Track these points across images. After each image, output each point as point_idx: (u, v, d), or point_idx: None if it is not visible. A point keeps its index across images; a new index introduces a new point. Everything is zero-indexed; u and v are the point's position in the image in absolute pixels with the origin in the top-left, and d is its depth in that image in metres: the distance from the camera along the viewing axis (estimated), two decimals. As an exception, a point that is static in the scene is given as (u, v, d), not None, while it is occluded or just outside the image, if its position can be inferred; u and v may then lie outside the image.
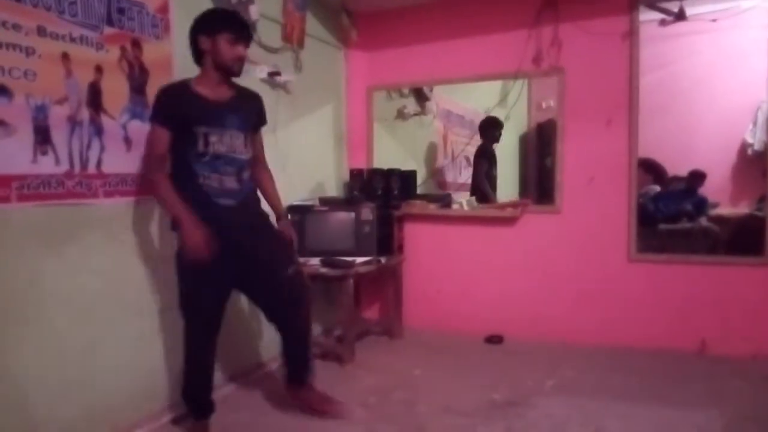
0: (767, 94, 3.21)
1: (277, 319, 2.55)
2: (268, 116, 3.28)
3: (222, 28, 2.21)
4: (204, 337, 2.38)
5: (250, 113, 2.40)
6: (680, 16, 3.69)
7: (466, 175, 4.86)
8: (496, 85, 4.14)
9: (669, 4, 3.68)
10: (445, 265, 4.00)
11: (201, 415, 2.43)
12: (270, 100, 3.30)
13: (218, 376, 2.91)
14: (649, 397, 2.76)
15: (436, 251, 4.02)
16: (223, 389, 2.87)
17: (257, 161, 2.51)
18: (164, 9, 2.57)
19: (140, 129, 2.44)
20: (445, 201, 4.06)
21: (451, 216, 3.99)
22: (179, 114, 2.18)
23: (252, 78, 3.14)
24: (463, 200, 4.06)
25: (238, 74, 2.31)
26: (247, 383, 3.01)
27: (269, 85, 3.30)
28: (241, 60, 2.27)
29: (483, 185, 4.32)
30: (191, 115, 2.19)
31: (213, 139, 2.22)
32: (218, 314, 2.38)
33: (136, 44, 2.43)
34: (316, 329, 3.73)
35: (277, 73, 3.26)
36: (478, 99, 4.54)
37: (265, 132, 3.25)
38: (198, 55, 2.29)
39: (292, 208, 3.41)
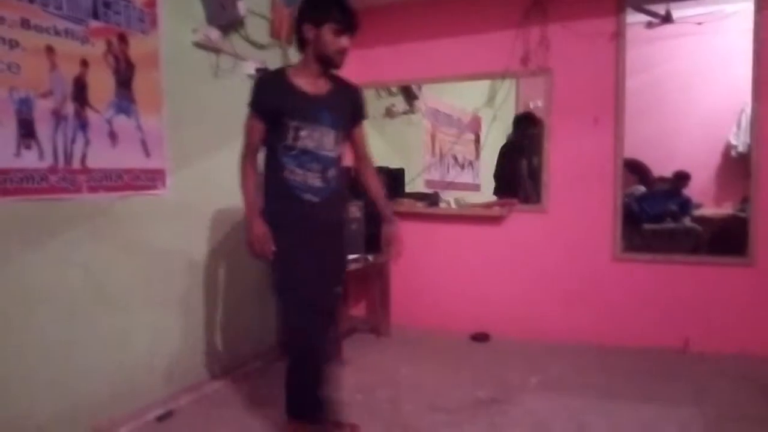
0: (751, 96, 3.24)
1: None
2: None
3: (328, 18, 2.08)
4: (319, 325, 2.22)
5: (345, 109, 2.24)
6: (667, 18, 3.74)
7: (453, 174, 4.88)
8: (484, 85, 4.16)
9: (656, 6, 3.72)
10: (433, 263, 4.01)
11: (317, 416, 2.26)
12: (258, 96, 3.30)
13: (203, 372, 2.91)
14: (632, 394, 2.79)
15: (424, 250, 4.03)
16: (212, 384, 2.87)
17: (360, 158, 2.38)
18: (151, 3, 2.55)
19: (126, 124, 2.42)
20: (433, 199, 4.07)
21: (439, 214, 4.00)
22: (274, 105, 2.11)
23: (239, 74, 3.14)
24: (450, 199, 4.08)
25: (339, 67, 2.18)
26: (236, 379, 3.00)
27: (257, 82, 3.28)
28: (344, 52, 2.14)
29: (523, 181, 4.21)
30: (286, 107, 2.11)
31: (303, 133, 2.12)
32: (328, 296, 2.26)
33: (123, 38, 2.41)
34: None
35: (265, 69, 3.24)
36: (467, 98, 4.56)
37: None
38: (301, 44, 2.17)
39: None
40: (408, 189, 4.17)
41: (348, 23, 2.12)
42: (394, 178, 4.03)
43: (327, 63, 2.15)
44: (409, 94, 4.50)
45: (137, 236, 2.54)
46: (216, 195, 3.01)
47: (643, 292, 3.50)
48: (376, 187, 2.37)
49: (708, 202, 4.51)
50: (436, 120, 4.86)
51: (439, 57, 3.92)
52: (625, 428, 2.42)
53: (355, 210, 3.44)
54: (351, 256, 3.36)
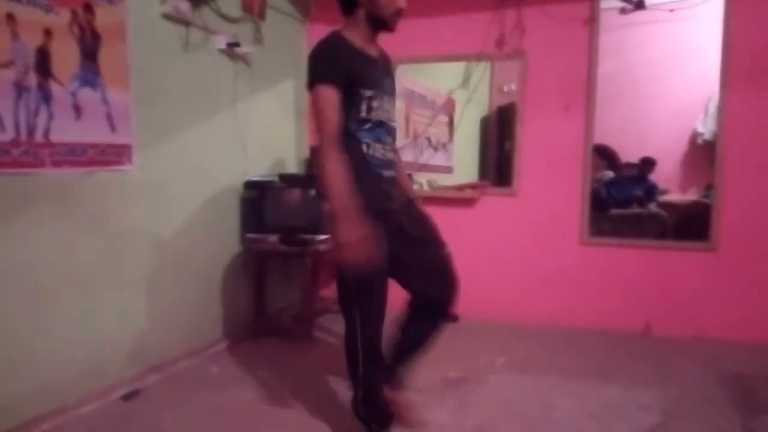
0: (719, 85, 3.31)
1: (429, 295, 2.17)
2: (226, 89, 3.23)
3: None
4: (379, 331, 2.12)
5: (392, 75, 2.09)
6: (639, 5, 3.76)
7: (427, 156, 4.87)
8: (459, 67, 4.14)
9: (629, -8, 3.74)
10: (404, 244, 4.01)
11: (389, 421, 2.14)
12: (229, 72, 3.24)
13: (171, 351, 2.88)
14: (596, 375, 2.87)
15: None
16: (180, 364, 2.85)
17: None
18: (118, -28, 2.46)
19: (91, 97, 2.34)
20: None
21: (411, 196, 3.99)
22: (347, 71, 1.85)
23: (209, 48, 3.06)
24: (423, 180, 4.08)
25: (394, 30, 1.96)
26: (204, 359, 2.98)
27: (228, 57, 3.21)
28: (400, 14, 1.93)
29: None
30: (359, 73, 1.87)
31: (375, 104, 1.91)
32: (386, 302, 2.10)
33: (89, 8, 2.32)
34: (272, 307, 3.71)
35: (237, 44, 3.18)
36: (441, 80, 4.54)
37: (223, 105, 3.22)
38: (349, 5, 1.95)
39: (251, 184, 3.35)
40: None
41: None
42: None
43: (381, 26, 1.94)
44: (383, 74, 4.45)
45: (103, 214, 2.48)
46: (185, 172, 2.96)
47: (609, 275, 3.58)
48: (402, 164, 2.23)
49: (674, 188, 4.61)
50: (410, 101, 4.83)
51: (415, 37, 3.87)
52: (589, 408, 2.49)
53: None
54: (323, 236, 3.35)
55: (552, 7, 3.54)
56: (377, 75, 1.95)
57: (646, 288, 3.51)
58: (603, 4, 3.51)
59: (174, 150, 2.87)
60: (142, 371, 2.69)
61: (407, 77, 4.62)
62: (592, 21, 3.48)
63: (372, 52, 1.98)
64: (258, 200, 3.34)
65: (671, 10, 4.11)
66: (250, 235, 3.35)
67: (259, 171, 3.54)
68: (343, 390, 2.66)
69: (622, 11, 4.00)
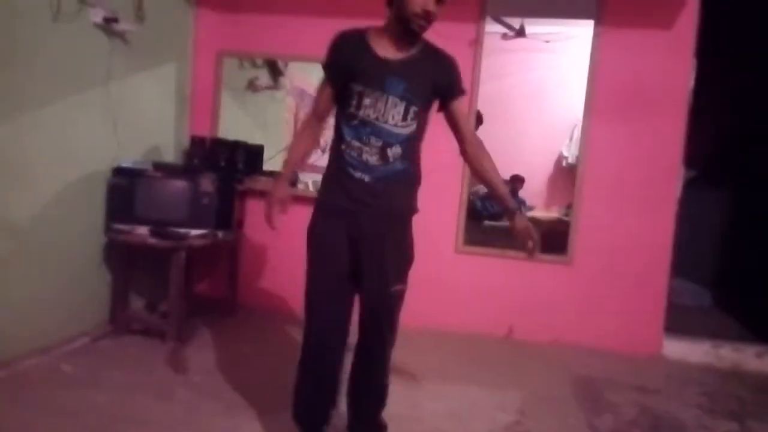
0: (583, 114, 3.64)
1: (360, 333, 2.05)
2: (100, 66, 3.00)
3: None
4: (321, 335, 2.02)
5: (427, 80, 1.91)
6: (520, 32, 4.05)
7: (314, 156, 4.84)
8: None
9: (512, 20, 4.01)
10: (285, 244, 3.95)
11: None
12: (103, 48, 3.02)
13: (20, 348, 2.60)
14: (460, 377, 3.01)
15: (277, 230, 3.95)
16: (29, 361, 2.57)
17: (463, 139, 2.04)
18: None
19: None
20: (291, 180, 4.00)
21: (296, 196, 3.94)
22: (344, 65, 1.89)
23: (83, 20, 2.82)
24: (309, 180, 4.05)
25: (416, 33, 1.86)
26: (56, 357, 2.72)
27: (104, 32, 2.99)
28: (425, 16, 1.81)
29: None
30: (355, 68, 1.86)
31: (366, 101, 1.86)
32: (343, 308, 2.01)
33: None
34: (138, 303, 3.48)
35: (114, 20, 2.96)
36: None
37: (95, 83, 2.98)
38: (387, 2, 1.90)
39: (121, 171, 3.13)
40: (267, 167, 4.06)
41: None
42: (252, 154, 3.91)
43: (405, 26, 1.85)
44: (274, 70, 4.37)
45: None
46: (46, 151, 2.70)
47: (479, 283, 3.79)
48: (492, 173, 2.02)
49: (540, 205, 4.98)
50: (301, 100, 4.77)
51: (310, 36, 3.86)
52: (452, 408, 2.61)
53: (207, 183, 3.28)
54: (198, 231, 3.21)
55: (441, 25, 3.64)
56: (380, 74, 1.86)
57: (510, 295, 3.76)
58: (487, 28, 3.72)
59: (35, 124, 2.61)
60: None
61: (298, 76, 4.58)
62: (476, 43, 3.67)
63: (390, 52, 1.89)
64: (128, 188, 3.12)
65: (547, 41, 4.47)
66: (116, 226, 3.12)
67: (132, 157, 3.31)
68: (215, 386, 2.56)
69: (504, 36, 4.28)
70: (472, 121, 3.64)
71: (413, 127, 1.93)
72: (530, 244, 2.00)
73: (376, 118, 1.88)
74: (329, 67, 1.95)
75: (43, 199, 2.71)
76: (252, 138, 3.99)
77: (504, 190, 2.04)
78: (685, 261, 3.98)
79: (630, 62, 3.57)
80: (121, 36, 3.11)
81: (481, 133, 3.80)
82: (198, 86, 4.01)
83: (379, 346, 2.04)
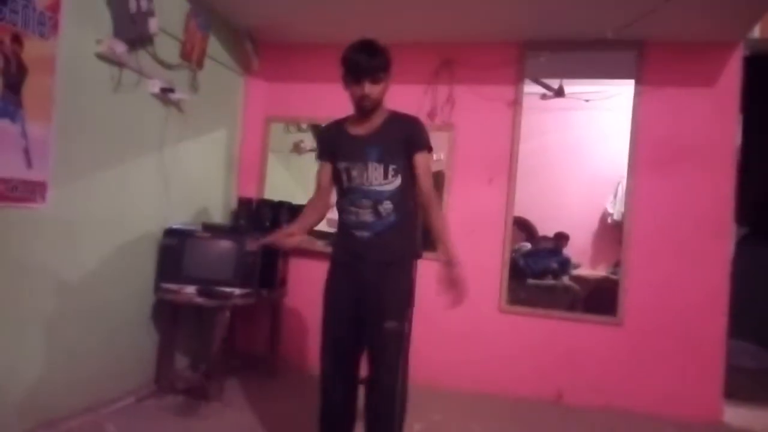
0: (627, 170, 3.60)
1: (368, 369, 2.26)
2: (155, 133, 3.17)
3: (344, 73, 2.23)
4: (332, 371, 2.30)
5: (395, 143, 2.21)
6: (559, 93, 4.10)
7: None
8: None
9: (550, 81, 4.07)
10: (326, 303, 3.97)
11: None
12: (159, 116, 3.20)
13: (66, 407, 2.65)
14: (508, 443, 2.89)
15: (320, 289, 3.98)
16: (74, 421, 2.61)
17: (419, 191, 2.25)
18: (55, 7, 2.41)
19: (9, 129, 2.23)
20: (333, 239, 4.06)
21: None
22: (330, 150, 2.30)
23: (142, 91, 3.02)
24: (349, 240, 4.09)
25: (367, 110, 2.23)
26: (102, 417, 2.75)
27: (160, 101, 3.18)
28: (364, 98, 2.19)
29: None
30: (337, 150, 2.26)
31: (354, 173, 2.21)
32: (349, 348, 2.29)
33: (17, 39, 2.25)
34: (182, 362, 3.52)
35: (171, 90, 3.15)
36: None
37: (150, 149, 3.14)
38: None
39: (171, 232, 3.24)
40: (308, 226, 4.14)
41: (354, 72, 2.18)
42: (295, 214, 3.96)
43: (359, 109, 2.24)
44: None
45: (5, 250, 2.30)
46: (102, 213, 2.83)
47: (524, 343, 3.68)
48: (434, 225, 2.25)
49: (585, 262, 4.87)
50: (342, 161, 4.91)
51: (347, 101, 4.00)
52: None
53: (251, 243, 3.36)
54: (242, 290, 3.27)
55: (480, 87, 3.77)
56: (356, 148, 2.22)
57: (557, 357, 3.63)
58: (526, 89, 3.78)
59: (93, 190, 2.76)
60: (32, 427, 2.46)
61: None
62: (515, 103, 3.73)
63: (362, 129, 2.25)
64: (177, 248, 3.23)
65: (587, 100, 4.50)
66: (165, 285, 3.21)
67: (182, 219, 3.44)
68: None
69: (543, 97, 4.34)
70: (506, 202, 3.70)
71: (397, 182, 2.21)
72: (452, 294, 2.22)
73: (361, 183, 2.20)
74: (320, 155, 2.38)
75: (95, 259, 2.83)
76: (295, 198, 4.09)
77: (442, 239, 2.24)
78: (742, 321, 3.79)
79: (673, 119, 3.55)
80: (176, 105, 3.30)
81: (525, 190, 3.81)
82: (246, 150, 4.18)
83: (382, 379, 2.21)
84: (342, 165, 2.23)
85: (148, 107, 3.11)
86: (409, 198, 2.25)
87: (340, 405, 2.31)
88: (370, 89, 2.17)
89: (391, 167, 2.20)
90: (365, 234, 2.21)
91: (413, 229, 2.31)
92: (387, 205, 2.20)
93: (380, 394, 2.22)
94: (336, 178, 2.29)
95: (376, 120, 2.27)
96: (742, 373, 4.02)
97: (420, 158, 2.24)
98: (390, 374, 2.21)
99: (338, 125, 2.34)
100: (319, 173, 2.37)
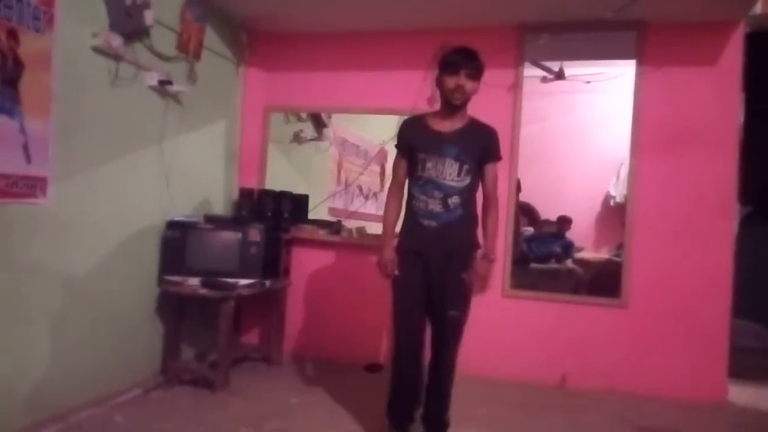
0: (629, 152, 3.58)
1: (431, 352, 2.56)
2: (154, 126, 3.17)
3: (440, 64, 2.46)
4: (408, 351, 2.53)
5: (474, 145, 2.45)
6: (560, 75, 4.06)
7: (357, 204, 4.92)
8: (392, 119, 4.26)
9: (550, 64, 4.04)
10: (331, 291, 3.99)
11: (397, 426, 2.60)
12: (158, 109, 3.18)
13: (75, 399, 2.68)
14: (510, 427, 2.91)
15: (323, 278, 4.01)
16: (84, 412, 2.64)
17: (484, 197, 2.54)
18: (49, 2, 2.40)
19: (7, 125, 2.23)
20: (336, 228, 4.08)
21: (340, 243, 4.01)
22: (409, 142, 2.51)
23: (140, 84, 3.01)
24: (353, 228, 4.10)
25: (454, 103, 2.43)
26: (110, 408, 2.78)
27: (158, 94, 3.17)
28: (456, 89, 2.39)
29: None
30: (416, 143, 2.48)
31: (429, 164, 2.43)
32: (420, 332, 2.53)
33: (12, 35, 2.24)
34: (188, 353, 3.55)
35: (169, 82, 3.14)
36: (375, 131, 4.65)
37: (150, 142, 3.14)
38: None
39: (173, 224, 3.25)
40: (311, 216, 4.15)
41: (450, 64, 2.40)
42: (297, 204, 4.01)
43: (448, 102, 2.45)
44: (318, 122, 4.52)
45: (9, 247, 2.31)
46: (103, 208, 2.84)
47: (528, 327, 3.69)
48: (488, 226, 2.53)
49: (588, 246, 4.87)
50: (343, 149, 4.90)
51: (350, 89, 3.99)
52: (505, 460, 2.52)
53: (255, 233, 3.37)
54: (246, 281, 3.28)
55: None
56: (436, 142, 2.45)
57: (561, 341, 3.64)
58: (526, 73, 3.75)
59: (93, 184, 2.76)
60: (41, 420, 2.48)
61: (340, 127, 4.72)
62: (516, 87, 3.70)
63: (444, 126, 2.48)
64: (180, 241, 3.24)
65: (587, 82, 4.47)
66: (169, 277, 3.22)
67: (184, 211, 3.45)
68: (258, 442, 2.56)
69: (544, 80, 4.31)
70: (508, 186, 3.67)
71: (467, 181, 2.44)
72: (477, 284, 2.54)
73: (437, 176, 2.42)
74: (399, 146, 2.58)
75: (98, 254, 2.84)
76: (297, 188, 4.10)
77: (489, 242, 2.52)
78: (746, 301, 3.79)
79: (676, 99, 3.52)
80: (174, 97, 3.29)
81: (527, 175, 3.80)
82: (246, 141, 4.18)
83: (445, 362, 2.51)
84: (420, 155, 2.44)
85: (146, 100, 3.10)
86: (474, 197, 2.50)
87: (410, 380, 2.56)
88: (464, 81, 2.39)
89: (465, 167, 2.43)
90: (432, 223, 2.44)
91: (475, 223, 2.54)
92: (455, 200, 2.44)
93: (442, 375, 2.52)
94: (411, 166, 2.51)
95: (458, 121, 2.48)
96: (746, 353, 4.02)
97: (492, 167, 2.52)
98: (451, 358, 2.52)
99: (420, 119, 2.56)
100: (397, 167, 2.59)
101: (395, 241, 2.55)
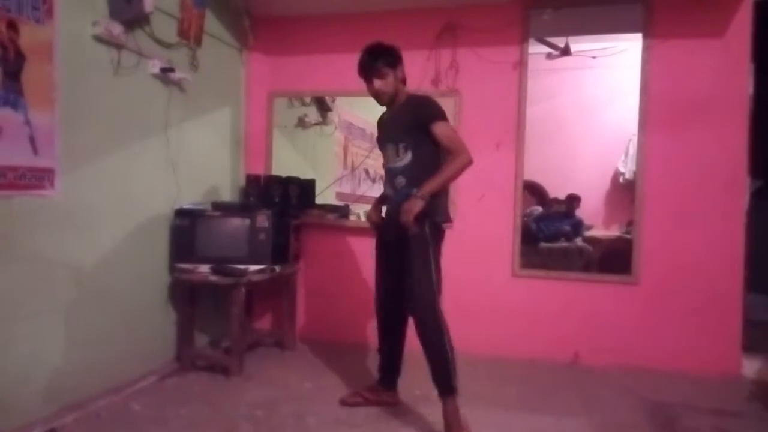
0: (638, 127, 3.54)
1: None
2: (158, 114, 3.16)
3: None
4: (380, 314, 2.81)
5: (400, 123, 2.57)
6: (565, 51, 4.01)
7: (364, 187, 4.91)
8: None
9: (556, 40, 3.98)
10: (341, 275, 4.00)
11: (380, 381, 2.88)
12: (161, 97, 3.18)
13: (90, 388, 2.71)
14: (523, 405, 2.92)
15: (333, 262, 4.01)
16: (100, 401, 2.67)
17: (446, 153, 2.51)
18: (48, -9, 2.38)
19: (12, 118, 2.24)
20: (343, 212, 4.07)
21: (349, 227, 4.01)
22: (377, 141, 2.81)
23: (142, 72, 2.99)
24: (361, 212, 4.09)
25: (382, 104, 2.68)
26: (127, 397, 2.82)
27: (161, 81, 3.15)
28: (374, 95, 2.63)
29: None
30: (377, 140, 2.80)
31: (384, 155, 2.69)
32: (390, 292, 2.70)
33: (12, 26, 2.23)
34: (202, 339, 3.58)
35: (171, 70, 3.12)
36: (380, 113, 4.62)
37: (155, 130, 3.14)
38: None
39: (182, 212, 3.26)
40: (319, 200, 4.14)
41: (362, 74, 2.62)
42: (304, 189, 4.00)
43: (379, 103, 2.69)
44: (322, 106, 4.49)
45: (19, 239, 2.33)
46: (111, 198, 2.84)
47: (538, 306, 3.68)
48: (438, 169, 2.46)
49: (598, 224, 4.84)
50: (349, 133, 4.88)
51: (352, 71, 3.94)
52: (518, 438, 2.53)
53: (263, 219, 3.37)
54: (256, 267, 3.29)
55: (484, 50, 3.70)
56: (382, 134, 2.74)
57: (573, 319, 3.63)
58: (531, 50, 3.70)
59: (100, 175, 2.76)
60: (58, 409, 2.51)
61: (345, 110, 4.69)
62: (521, 64, 3.66)
63: (387, 115, 2.71)
64: (189, 229, 3.25)
65: (594, 57, 4.41)
66: (179, 265, 3.24)
67: (192, 199, 3.45)
68: (277, 422, 2.58)
69: (549, 56, 4.25)
70: (515, 167, 3.61)
71: (408, 157, 2.54)
72: (402, 218, 2.43)
73: (387, 163, 2.66)
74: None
75: (108, 244, 2.85)
76: (303, 173, 4.08)
77: (429, 181, 2.42)
78: (759, 275, 3.76)
79: (684, 72, 3.47)
80: (177, 84, 3.27)
81: (534, 154, 3.77)
82: (251, 127, 4.16)
83: (417, 327, 2.55)
84: (380, 151, 2.73)
85: (149, 88, 3.09)
86: (424, 172, 2.47)
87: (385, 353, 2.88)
88: (378, 85, 2.56)
89: (400, 145, 2.55)
90: (388, 207, 2.68)
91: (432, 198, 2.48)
92: (401, 179, 2.56)
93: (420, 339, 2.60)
94: None
95: (397, 106, 2.63)
96: (759, 327, 4.00)
97: (435, 128, 2.48)
98: (421, 325, 2.55)
99: (382, 116, 2.76)
100: None
101: (377, 204, 2.84)
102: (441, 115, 2.51)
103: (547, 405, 2.93)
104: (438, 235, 2.58)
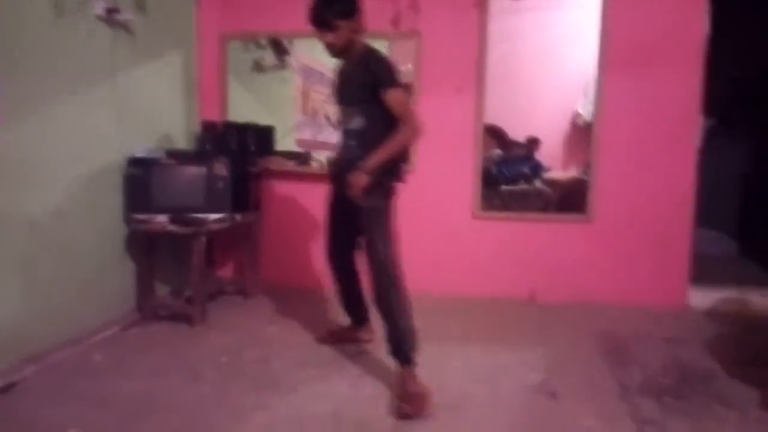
0: (597, 69, 3.55)
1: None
2: (104, 59, 3.01)
3: None
4: (333, 262, 2.82)
5: (355, 82, 2.43)
6: (526, -11, 3.91)
7: (326, 134, 4.83)
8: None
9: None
10: (303, 222, 3.98)
11: (351, 321, 2.95)
12: (107, 40, 3.02)
13: (50, 340, 2.67)
14: (485, 340, 3.03)
15: (295, 209, 3.99)
16: (60, 353, 2.65)
17: (397, 122, 2.38)
18: None
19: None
20: (304, 159, 4.02)
21: (310, 174, 3.96)
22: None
23: (86, 14, 2.83)
24: (322, 158, 4.04)
25: (333, 56, 2.51)
26: (88, 347, 2.79)
27: (107, 24, 2.99)
28: (326, 48, 2.45)
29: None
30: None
31: (338, 111, 2.62)
32: (340, 241, 2.74)
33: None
34: (163, 289, 3.55)
35: (116, 10, 2.96)
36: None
37: (101, 76, 3.00)
38: None
39: (135, 161, 3.16)
40: (279, 147, 4.07)
41: (311, 23, 2.42)
42: (263, 136, 3.91)
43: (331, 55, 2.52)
44: (279, 49, 4.34)
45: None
46: (58, 148, 2.74)
47: (497, 246, 3.77)
48: (383, 143, 2.37)
49: (557, 165, 4.90)
50: (308, 77, 4.74)
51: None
52: (480, 370, 2.63)
53: (221, 167, 3.30)
54: (216, 216, 3.25)
55: (444, -12, 3.61)
56: (336, 89, 2.59)
57: (532, 258, 3.74)
58: (492, -12, 3.63)
59: (46, 123, 2.64)
60: (17, 362, 2.48)
61: (303, 53, 4.54)
62: (482, 5, 3.59)
63: (342, 68, 2.57)
64: (144, 178, 3.16)
65: (555, -3, 4.34)
66: (136, 216, 3.17)
67: (145, 146, 3.34)
68: (241, 367, 2.61)
69: (511, -5, 4.15)
70: (475, 110, 3.58)
71: (359, 122, 2.45)
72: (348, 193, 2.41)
73: (340, 119, 2.60)
74: None
75: (60, 195, 2.76)
76: (262, 119, 3.99)
77: (373, 155, 2.35)
78: (709, 210, 3.92)
79: (642, 13, 3.47)
80: (123, 26, 3.11)
81: (495, 96, 3.76)
82: (204, 71, 4.01)
83: (373, 290, 2.52)
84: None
85: (93, 31, 2.92)
86: (376, 138, 2.38)
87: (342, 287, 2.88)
88: (326, 38, 2.40)
89: (352, 108, 2.47)
90: (336, 170, 2.62)
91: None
92: (351, 142, 2.49)
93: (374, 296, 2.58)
94: None
95: (349, 64, 2.50)
96: (707, 260, 4.19)
97: (386, 95, 2.35)
98: (376, 285, 2.52)
99: (339, 67, 2.59)
100: None
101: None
102: (394, 82, 2.39)
103: (508, 339, 3.05)
104: (390, 194, 2.52)
